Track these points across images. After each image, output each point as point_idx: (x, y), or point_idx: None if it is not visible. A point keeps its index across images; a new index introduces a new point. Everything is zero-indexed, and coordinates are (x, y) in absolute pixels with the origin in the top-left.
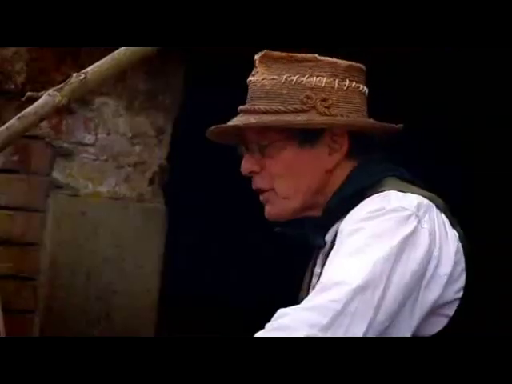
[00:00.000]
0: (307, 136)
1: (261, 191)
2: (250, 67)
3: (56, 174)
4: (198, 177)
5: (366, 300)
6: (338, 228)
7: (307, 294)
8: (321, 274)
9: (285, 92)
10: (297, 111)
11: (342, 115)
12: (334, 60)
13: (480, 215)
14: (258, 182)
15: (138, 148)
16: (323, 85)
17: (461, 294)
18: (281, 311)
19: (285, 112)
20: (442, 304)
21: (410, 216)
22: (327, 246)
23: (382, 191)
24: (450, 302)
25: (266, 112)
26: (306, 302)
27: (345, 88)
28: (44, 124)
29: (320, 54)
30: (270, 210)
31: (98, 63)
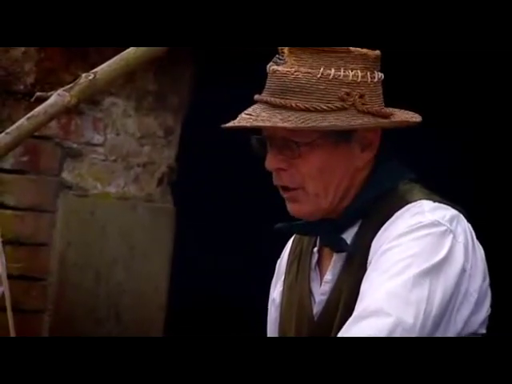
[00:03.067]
0: (343, 134)
1: (287, 188)
2: (258, 67)
3: (65, 175)
4: (206, 177)
5: (406, 330)
6: (358, 233)
7: (310, 300)
8: (331, 280)
9: (322, 87)
10: (338, 109)
11: (376, 111)
12: (364, 51)
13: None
14: (285, 180)
15: (146, 148)
16: (359, 79)
17: (490, 311)
18: None
19: (326, 110)
20: (478, 325)
21: (445, 231)
22: (347, 254)
23: (412, 201)
24: (484, 321)
25: (305, 110)
26: (345, 328)
27: (375, 80)
28: (53, 124)
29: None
30: (298, 209)
31: (107, 63)
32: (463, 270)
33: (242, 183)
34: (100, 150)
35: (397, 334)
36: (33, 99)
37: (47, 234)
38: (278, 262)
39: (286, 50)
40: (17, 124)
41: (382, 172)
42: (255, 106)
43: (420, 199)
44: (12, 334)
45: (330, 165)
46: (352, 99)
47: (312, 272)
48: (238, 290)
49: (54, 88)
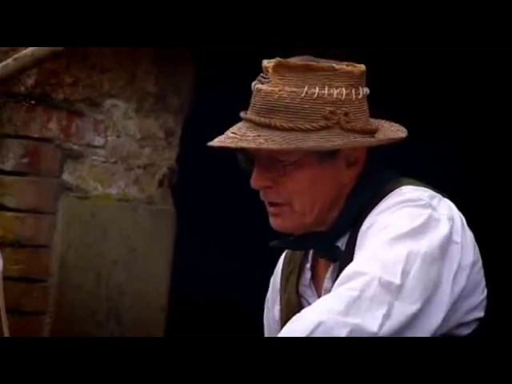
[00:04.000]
0: (328, 152)
1: (273, 204)
2: (259, 69)
3: (66, 176)
4: (207, 179)
5: (383, 284)
6: (348, 240)
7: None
8: (329, 288)
9: (307, 107)
10: (322, 128)
11: (361, 128)
12: (349, 68)
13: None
14: (272, 197)
15: (147, 150)
16: (343, 97)
17: (485, 293)
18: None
19: (310, 130)
20: (474, 306)
21: (424, 204)
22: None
23: (393, 189)
24: (480, 303)
25: (289, 129)
26: (322, 299)
27: (360, 97)
28: (54, 126)
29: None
30: (281, 223)
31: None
32: (452, 240)
33: (243, 185)
34: (100, 151)
35: (372, 290)
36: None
37: (48, 236)
38: (272, 278)
39: (270, 68)
40: (2, 63)
41: (369, 180)
42: (240, 125)
43: (401, 186)
44: (6, 334)
45: (316, 182)
46: (336, 117)
47: (306, 288)
48: (239, 292)
49: (54, 90)
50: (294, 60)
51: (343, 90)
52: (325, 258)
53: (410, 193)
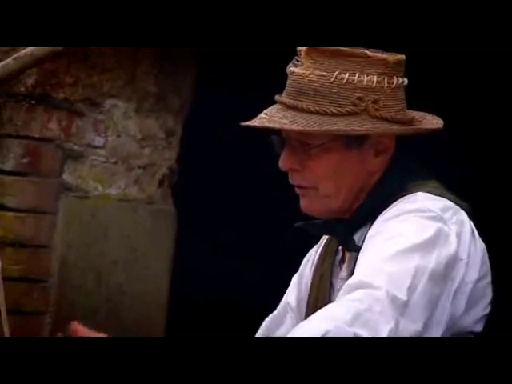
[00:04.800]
0: (355, 138)
1: (300, 187)
2: (259, 69)
3: (66, 177)
4: (207, 179)
5: (390, 299)
6: (366, 232)
7: (329, 296)
8: (346, 277)
9: (335, 91)
10: (348, 114)
11: (391, 117)
12: (384, 56)
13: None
14: (299, 180)
15: (147, 150)
16: (374, 85)
17: (488, 309)
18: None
19: (336, 114)
20: (472, 321)
21: (435, 217)
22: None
23: (408, 193)
24: (480, 319)
25: (315, 112)
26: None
27: (393, 86)
28: (54, 126)
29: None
30: (308, 205)
31: None
32: (457, 257)
33: (243, 185)
34: (101, 151)
35: (380, 304)
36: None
37: (48, 236)
38: (311, 253)
39: (303, 51)
40: (3, 63)
41: (395, 173)
42: (273, 107)
43: (417, 191)
44: (7, 334)
45: (342, 168)
46: (364, 104)
47: (335, 268)
48: (239, 292)
49: (54, 90)
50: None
51: (374, 77)
52: (342, 247)
53: (421, 201)
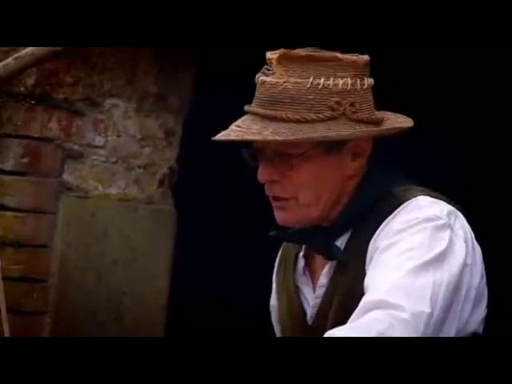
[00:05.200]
0: (335, 143)
1: (277, 198)
2: (259, 68)
3: (66, 176)
4: (207, 179)
5: (413, 316)
6: (351, 238)
7: (300, 304)
8: (326, 284)
9: (312, 97)
10: (328, 119)
11: (367, 118)
12: (354, 58)
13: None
14: (278, 191)
15: (147, 150)
16: (348, 87)
17: (486, 310)
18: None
19: (316, 121)
20: (476, 323)
21: (444, 225)
22: (343, 258)
23: (408, 199)
24: (482, 320)
25: (295, 121)
26: (349, 322)
27: (365, 87)
28: (54, 126)
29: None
30: (286, 217)
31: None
32: (465, 264)
33: (244, 185)
34: (101, 151)
35: (403, 322)
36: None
37: (48, 236)
38: (273, 279)
39: (274, 60)
40: (3, 62)
41: (375, 178)
42: (244, 118)
43: (416, 196)
44: (7, 334)
45: (322, 174)
46: (342, 108)
47: (300, 277)
48: (239, 292)
49: (54, 90)
50: (298, 51)
51: (348, 80)
52: (322, 256)
53: (428, 207)
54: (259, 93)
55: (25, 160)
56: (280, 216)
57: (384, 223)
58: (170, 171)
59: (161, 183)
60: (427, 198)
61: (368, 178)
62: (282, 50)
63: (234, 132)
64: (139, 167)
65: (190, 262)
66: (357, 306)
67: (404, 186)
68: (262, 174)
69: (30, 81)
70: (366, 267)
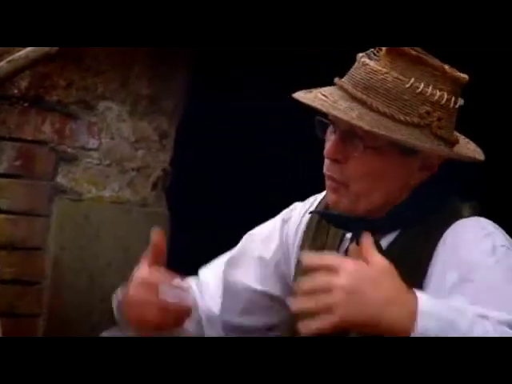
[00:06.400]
0: (409, 149)
1: (333, 180)
2: (253, 71)
3: (60, 179)
4: (201, 181)
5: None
6: (398, 240)
7: None
8: None
9: (407, 98)
10: (413, 125)
11: (448, 138)
12: (458, 74)
13: None
14: (335, 172)
15: (141, 152)
16: (443, 101)
17: None
18: None
19: (402, 122)
20: None
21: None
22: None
23: (465, 216)
24: None
25: (383, 114)
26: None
27: (456, 106)
28: (48, 129)
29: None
30: (336, 200)
31: None
32: None
33: (237, 187)
34: (94, 154)
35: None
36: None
37: (41, 238)
38: (280, 223)
39: (384, 48)
40: None
41: (433, 188)
42: (332, 90)
43: (474, 215)
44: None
45: (385, 174)
46: (430, 119)
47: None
48: None
49: (48, 92)
50: (408, 49)
51: (445, 94)
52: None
53: (498, 236)
54: (356, 73)
55: (18, 163)
56: (331, 198)
57: (449, 239)
58: (164, 174)
59: (154, 186)
60: (487, 221)
61: (426, 188)
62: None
63: (320, 100)
64: (133, 170)
65: (183, 265)
66: None
67: (459, 201)
68: (332, 150)
69: (24, 83)
70: (422, 279)
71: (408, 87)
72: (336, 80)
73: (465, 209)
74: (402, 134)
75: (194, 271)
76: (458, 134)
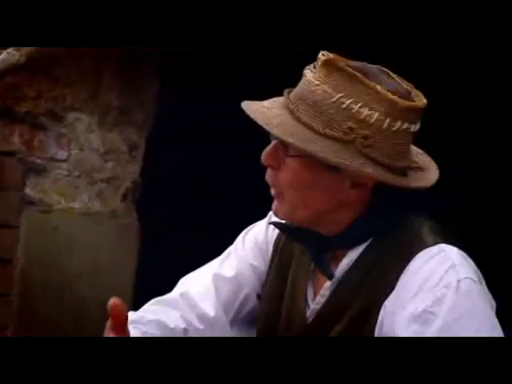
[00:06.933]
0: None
1: (271, 186)
2: (222, 82)
3: (29, 190)
4: (171, 193)
5: None
6: (362, 258)
7: (304, 304)
8: (328, 297)
9: (331, 112)
10: (335, 139)
11: (376, 158)
12: (395, 99)
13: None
14: (272, 179)
15: (110, 164)
16: (372, 121)
17: None
18: None
19: (323, 135)
20: None
21: (480, 288)
22: (339, 279)
23: (430, 244)
24: None
25: (305, 125)
26: None
27: (394, 129)
28: (16, 140)
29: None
30: (276, 208)
31: None
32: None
33: (207, 199)
34: (64, 165)
35: None
36: None
37: (11, 250)
38: (253, 236)
39: (320, 61)
40: None
41: (385, 204)
42: (281, 99)
43: (438, 243)
44: None
45: (313, 185)
46: (354, 136)
47: (309, 280)
48: None
49: (17, 103)
50: (349, 63)
51: (375, 114)
52: (313, 263)
53: (463, 268)
54: (300, 83)
55: None
56: (273, 205)
57: (412, 268)
58: (134, 185)
59: (124, 197)
60: (454, 250)
61: (377, 204)
62: (332, 55)
63: (257, 105)
64: (102, 181)
65: (153, 276)
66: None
67: (417, 219)
68: (263, 154)
69: None
70: (387, 303)
71: (334, 101)
72: (285, 91)
73: (427, 232)
74: (317, 146)
75: (163, 282)
76: (428, 163)
